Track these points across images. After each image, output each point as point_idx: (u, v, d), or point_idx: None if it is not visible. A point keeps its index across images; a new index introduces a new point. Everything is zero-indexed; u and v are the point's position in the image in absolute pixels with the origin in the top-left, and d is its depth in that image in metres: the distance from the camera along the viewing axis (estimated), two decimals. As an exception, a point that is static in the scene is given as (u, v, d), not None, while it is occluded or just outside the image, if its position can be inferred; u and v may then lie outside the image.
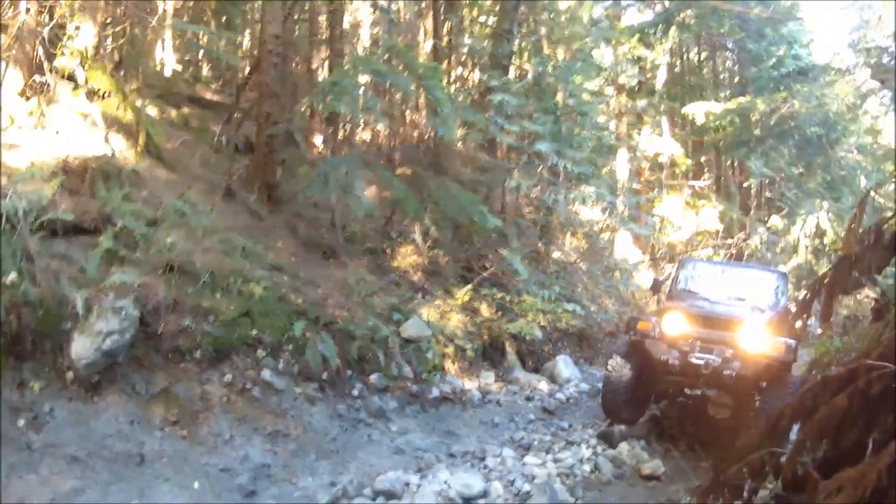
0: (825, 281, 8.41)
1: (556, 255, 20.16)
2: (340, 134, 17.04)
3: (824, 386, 5.24)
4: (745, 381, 10.31)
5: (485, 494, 8.36)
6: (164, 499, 7.33)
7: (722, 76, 33.60)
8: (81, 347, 7.99)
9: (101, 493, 7.05)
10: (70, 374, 7.92)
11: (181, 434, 8.35)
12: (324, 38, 18.56)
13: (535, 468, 9.33)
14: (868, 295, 17.58)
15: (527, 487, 8.64)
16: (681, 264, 14.30)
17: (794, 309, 10.85)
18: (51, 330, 7.95)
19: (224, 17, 17.88)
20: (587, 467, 9.76)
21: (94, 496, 6.97)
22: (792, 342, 10.20)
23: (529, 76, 18.67)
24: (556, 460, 9.87)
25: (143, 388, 8.50)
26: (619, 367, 11.37)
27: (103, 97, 12.34)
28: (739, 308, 11.45)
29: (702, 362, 10.28)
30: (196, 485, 7.71)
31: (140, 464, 7.65)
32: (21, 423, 7.29)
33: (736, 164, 32.78)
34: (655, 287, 13.61)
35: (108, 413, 7.97)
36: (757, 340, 10.29)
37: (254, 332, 10.12)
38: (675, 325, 10.88)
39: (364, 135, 18.51)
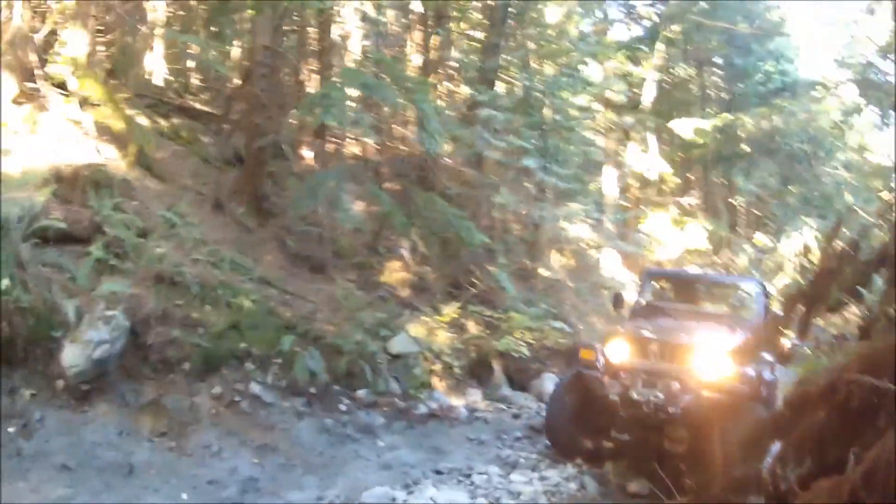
0: (802, 296, 8.46)
1: (543, 272, 20.22)
2: (329, 147, 17.11)
3: (804, 400, 5.30)
4: (695, 418, 9.18)
5: (471, 511, 8.41)
6: (153, 509, 7.39)
7: (709, 92, 33.71)
8: (72, 356, 8.06)
9: (91, 500, 7.09)
10: (61, 383, 7.99)
11: (169, 445, 8.41)
12: (313, 49, 18.66)
13: (521, 485, 9.27)
14: (855, 313, 17.19)
15: (512, 504, 8.69)
16: (644, 276, 13.32)
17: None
18: (42, 337, 8.02)
19: (214, 28, 17.98)
20: (573, 485, 9.55)
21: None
22: (752, 371, 9.24)
23: (517, 91, 18.73)
24: (542, 478, 9.66)
25: (133, 399, 8.58)
26: (558, 398, 10.69)
27: (95, 105, 12.42)
28: (696, 331, 10.20)
29: (643, 399, 9.33)
30: (184, 496, 7.74)
31: (129, 474, 7.70)
32: (11, 429, 7.35)
33: (723, 181, 32.84)
34: (617, 302, 12.47)
35: (98, 422, 8.04)
36: (711, 371, 9.26)
37: (242, 345, 10.19)
38: (618, 355, 9.94)
39: (353, 148, 18.56)
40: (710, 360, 9.35)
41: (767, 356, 10.36)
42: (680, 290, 13.09)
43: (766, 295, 11.81)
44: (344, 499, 8.35)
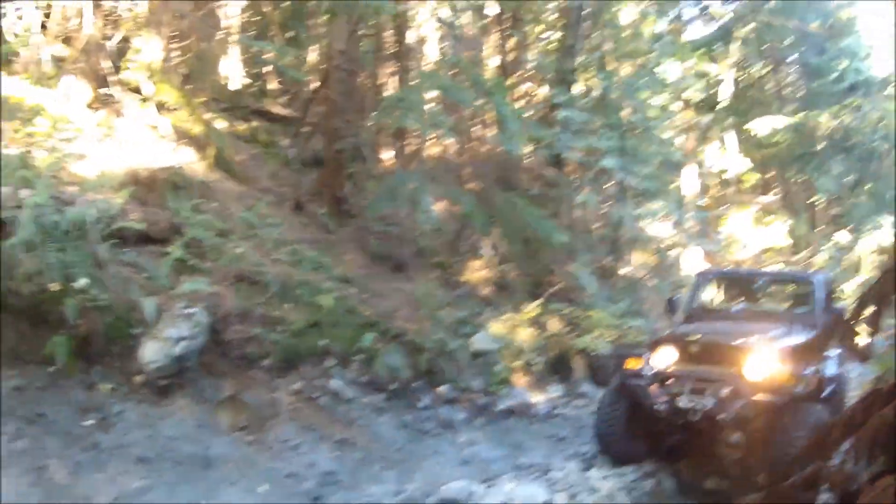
0: (872, 292, 8.16)
1: (624, 270, 19.93)
2: (409, 148, 17.05)
3: (875, 398, 5.10)
4: (748, 423, 8.69)
5: (548, 506, 8.22)
6: (231, 501, 7.32)
7: (785, 91, 33.03)
8: (152, 352, 8.04)
9: (167, 493, 7.05)
10: (140, 378, 7.97)
11: (248, 439, 8.36)
12: (390, 53, 18.63)
13: (598, 482, 9.08)
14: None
15: (590, 500, 8.47)
16: (698, 278, 12.23)
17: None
18: (121, 335, 8.01)
19: (290, 33, 18.01)
20: (650, 482, 9.39)
21: (160, 496, 6.97)
22: (810, 370, 8.82)
23: (594, 92, 18.49)
24: (619, 475, 9.45)
25: (212, 394, 8.53)
26: (605, 407, 10.04)
27: (171, 110, 12.51)
28: (748, 332, 9.55)
29: (692, 406, 8.80)
30: (262, 489, 7.68)
31: (207, 467, 7.65)
32: (89, 422, 7.33)
33: (801, 179, 32.15)
34: (671, 307, 11.71)
35: (177, 416, 8.00)
36: (763, 373, 8.67)
37: (323, 342, 10.11)
38: (665, 361, 9.43)
39: (433, 149, 18.47)
40: (762, 362, 8.78)
41: (833, 354, 10.12)
42: (737, 290, 12.51)
43: (830, 291, 11.14)
44: (422, 493, 8.23)
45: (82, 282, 7.47)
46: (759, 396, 8.56)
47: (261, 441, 8.42)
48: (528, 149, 16.96)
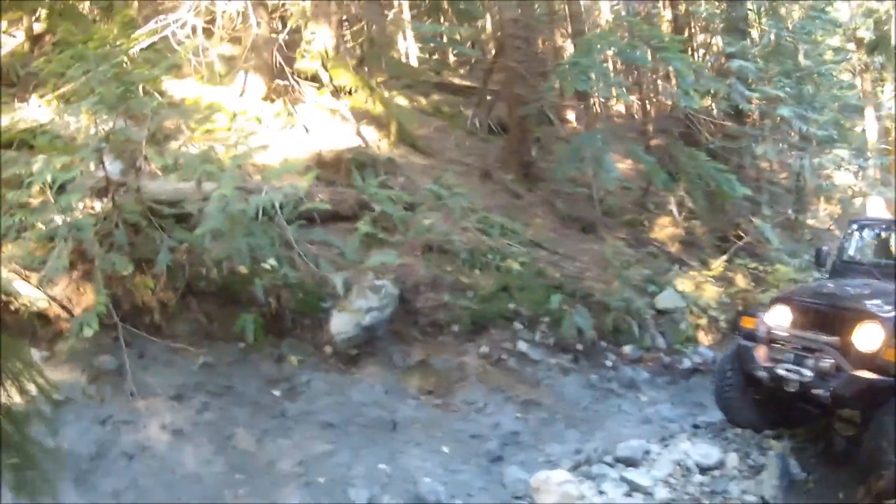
0: None
1: (809, 221, 19.12)
2: (592, 110, 16.87)
3: None
4: (847, 403, 7.54)
5: (721, 465, 8.03)
6: (414, 462, 7.51)
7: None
8: (341, 323, 8.36)
9: (352, 455, 7.31)
10: (328, 349, 8.30)
11: (435, 403, 8.56)
12: (564, 15, 18.39)
13: (771, 441, 8.82)
14: None
15: (761, 460, 8.22)
16: (849, 227, 10.43)
17: None
18: (310, 309, 8.36)
19: (460, 7, 17.98)
20: (822, 444, 8.75)
21: (345, 458, 7.24)
22: None
23: (766, 38, 17.68)
24: (793, 435, 8.93)
25: (400, 361, 8.78)
26: (721, 370, 9.04)
27: (349, 93, 12.81)
28: (876, 296, 8.07)
29: (790, 376, 7.68)
30: (445, 449, 7.85)
31: (392, 430, 7.89)
32: (277, 393, 7.69)
33: None
34: (820, 259, 10.04)
35: (364, 383, 8.29)
36: (874, 347, 7.22)
37: (511, 305, 10.15)
38: (778, 322, 8.20)
39: (616, 108, 18.23)
40: (873, 334, 7.26)
41: None
42: (884, 243, 10.28)
43: None
44: (601, 451, 8.20)
45: (270, 262, 7.81)
46: (864, 374, 7.22)
47: (447, 404, 8.61)
48: (706, 102, 16.47)
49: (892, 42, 23.47)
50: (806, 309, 8.03)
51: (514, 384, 9.30)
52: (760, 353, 8.12)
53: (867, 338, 7.26)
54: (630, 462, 7.93)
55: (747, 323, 8.59)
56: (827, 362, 7.45)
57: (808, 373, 7.53)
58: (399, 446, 7.67)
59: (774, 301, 8.62)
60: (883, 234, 10.46)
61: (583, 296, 11.16)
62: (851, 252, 9.90)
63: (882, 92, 26.13)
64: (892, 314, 7.33)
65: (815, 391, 7.42)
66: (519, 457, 8.09)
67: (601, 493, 7.32)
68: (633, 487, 7.40)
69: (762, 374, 7.97)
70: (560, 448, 8.37)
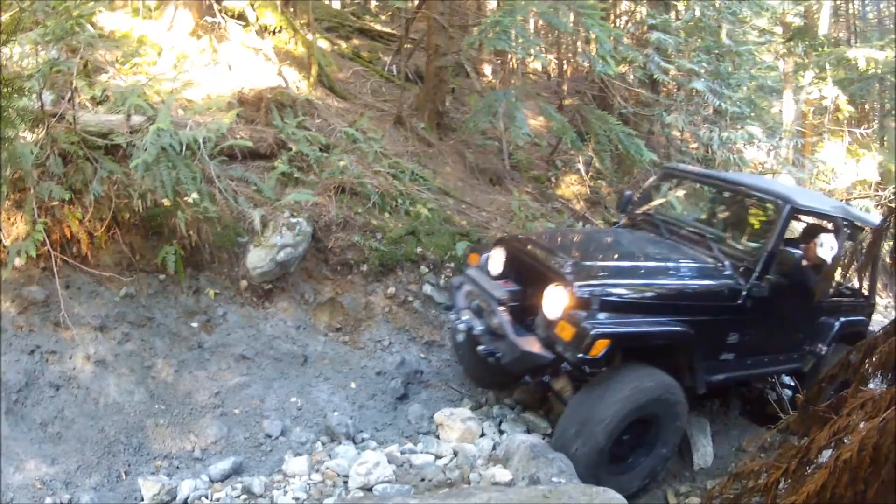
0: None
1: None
2: (510, 65, 16.99)
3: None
4: (510, 367, 6.86)
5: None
6: (323, 396, 7.73)
7: (887, 23, 31.40)
8: (257, 258, 8.42)
9: (265, 388, 7.49)
10: (244, 283, 8.38)
11: (343, 339, 8.73)
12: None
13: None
14: None
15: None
16: (659, 174, 9.77)
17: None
18: (228, 243, 8.40)
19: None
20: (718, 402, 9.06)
21: (258, 390, 7.41)
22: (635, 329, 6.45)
23: (689, 14, 17.98)
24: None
25: (312, 297, 8.89)
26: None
27: (274, 33, 12.80)
28: (584, 257, 7.39)
29: (459, 325, 7.28)
30: (353, 384, 8.06)
31: (303, 364, 8.07)
32: (195, 324, 7.78)
33: (896, 112, 30.68)
34: (622, 205, 9.24)
35: (277, 318, 8.42)
36: (556, 314, 6.44)
37: (418, 249, 10.26)
38: (493, 266, 7.66)
39: (535, 65, 18.37)
40: (560, 300, 6.46)
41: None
42: (708, 201, 9.89)
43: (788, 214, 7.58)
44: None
45: (192, 196, 7.85)
46: (524, 342, 6.60)
47: (355, 341, 8.79)
48: (622, 69, 16.74)
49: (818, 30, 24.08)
50: (517, 256, 7.41)
51: (419, 325, 9.50)
52: (461, 294, 7.70)
53: (552, 303, 6.53)
54: (527, 404, 8.24)
55: (472, 260, 8.14)
56: (496, 320, 6.92)
57: (480, 326, 7.08)
58: (309, 380, 7.86)
59: (496, 243, 7.98)
60: (697, 188, 10.10)
61: (487, 244, 11.37)
62: (654, 202, 9.26)
63: (803, 76, 26.74)
64: (589, 285, 6.45)
65: (480, 347, 6.95)
66: (422, 395, 8.36)
67: (501, 431, 7.64)
68: (532, 429, 7.75)
69: (453, 316, 7.57)
70: (461, 389, 8.63)
